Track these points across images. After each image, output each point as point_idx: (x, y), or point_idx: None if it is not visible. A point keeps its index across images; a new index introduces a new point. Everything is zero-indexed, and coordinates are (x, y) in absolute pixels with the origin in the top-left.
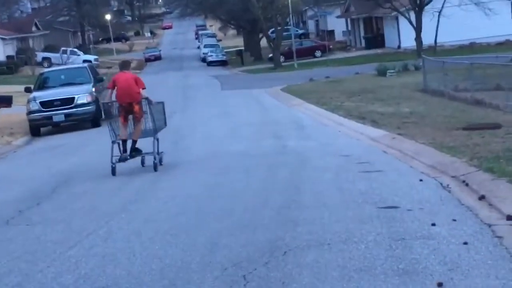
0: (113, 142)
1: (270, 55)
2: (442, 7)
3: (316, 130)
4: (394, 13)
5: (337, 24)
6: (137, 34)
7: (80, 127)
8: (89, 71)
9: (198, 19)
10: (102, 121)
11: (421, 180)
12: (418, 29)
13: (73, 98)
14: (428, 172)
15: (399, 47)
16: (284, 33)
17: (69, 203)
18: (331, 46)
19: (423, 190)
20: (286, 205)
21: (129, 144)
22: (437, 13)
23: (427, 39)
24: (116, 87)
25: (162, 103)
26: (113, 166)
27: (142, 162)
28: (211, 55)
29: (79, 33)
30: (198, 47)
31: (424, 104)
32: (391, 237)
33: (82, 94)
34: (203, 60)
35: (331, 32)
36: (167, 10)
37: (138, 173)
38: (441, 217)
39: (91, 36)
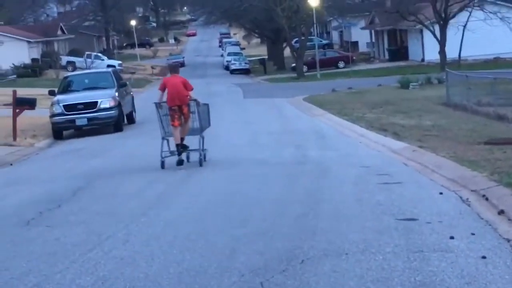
0: (162, 138)
1: (293, 64)
2: (467, 21)
3: (337, 140)
4: (419, 26)
5: (361, 35)
6: (161, 40)
7: (103, 131)
8: (113, 76)
9: (222, 27)
10: (124, 125)
11: (441, 193)
12: (442, 42)
13: (96, 102)
14: (448, 185)
15: (422, 60)
16: (308, 43)
17: (89, 206)
18: (354, 57)
19: (442, 203)
20: (304, 214)
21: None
22: (462, 27)
23: (451, 53)
24: (166, 90)
25: (207, 104)
26: (163, 160)
27: (188, 158)
28: (234, 63)
29: (103, 38)
30: (222, 55)
31: (446, 117)
32: (409, 249)
33: (106, 99)
34: (226, 68)
35: (355, 43)
36: (192, 17)
37: (161, 176)
38: (460, 231)
39: (115, 41)
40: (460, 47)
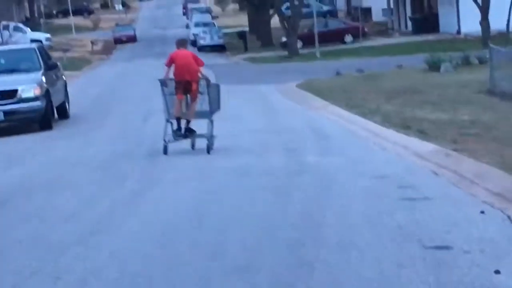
0: (167, 121)
1: (284, 39)
2: None
3: (344, 141)
4: None
5: None
6: (104, 6)
7: (25, 130)
8: (39, 54)
9: None
10: (54, 122)
11: (482, 212)
12: (484, 8)
13: (16, 90)
14: (492, 201)
15: (458, 32)
16: (304, 10)
17: (6, 231)
18: (366, 29)
19: (485, 226)
20: (300, 241)
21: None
22: None
23: (497, 22)
24: (174, 65)
25: (219, 85)
26: (165, 145)
27: (193, 145)
28: (204, 37)
29: (26, 4)
30: (187, 26)
31: (491, 110)
32: (441, 287)
33: (28, 86)
34: (193, 43)
35: (367, 11)
36: None
37: (106, 190)
38: (509, 263)
39: (42, 7)
40: (509, 14)
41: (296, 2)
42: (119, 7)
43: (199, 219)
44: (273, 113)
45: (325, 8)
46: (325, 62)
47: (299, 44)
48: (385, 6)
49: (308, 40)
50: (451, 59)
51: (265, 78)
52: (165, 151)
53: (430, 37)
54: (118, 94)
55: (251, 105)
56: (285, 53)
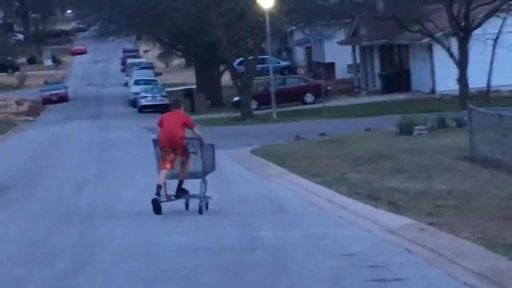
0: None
1: (236, 98)
2: (499, 32)
3: (304, 214)
4: (427, 39)
5: (339, 54)
6: (31, 61)
7: None
8: None
9: (127, 41)
10: None
11: None
12: (462, 64)
13: None
14: (474, 282)
15: (433, 91)
16: (259, 66)
17: None
18: (329, 88)
19: None
20: None
21: (170, 186)
22: (492, 41)
23: (476, 80)
24: (163, 127)
25: (213, 145)
26: (156, 205)
27: (187, 205)
28: (145, 97)
29: None
30: (126, 84)
31: (470, 179)
32: None
33: None
34: (133, 103)
35: (330, 66)
36: (79, 25)
37: (31, 273)
38: None
39: None
40: (489, 72)
41: (250, 57)
42: (48, 62)
43: None
44: (225, 182)
45: (283, 63)
46: (283, 125)
47: (254, 104)
48: (351, 62)
49: (263, 100)
50: (425, 121)
51: (215, 143)
52: (156, 210)
53: (402, 96)
54: (48, 161)
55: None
56: (238, 114)
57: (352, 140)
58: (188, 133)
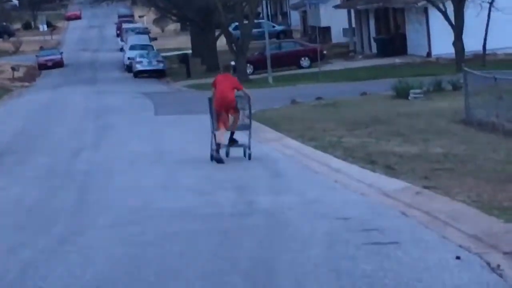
0: (213, 133)
1: (232, 63)
2: None
3: (300, 179)
4: (422, 2)
5: (335, 18)
6: (27, 27)
7: None
8: None
9: (122, 6)
10: None
11: (458, 258)
12: (458, 27)
13: None
14: (469, 245)
15: (428, 54)
16: (254, 30)
17: None
18: (325, 52)
19: (461, 273)
20: None
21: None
22: (488, 4)
23: (472, 43)
24: (215, 91)
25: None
26: (212, 153)
27: (227, 153)
28: (141, 62)
29: None
30: (121, 49)
31: (466, 142)
32: None
33: None
34: (129, 68)
35: (326, 31)
36: None
37: (29, 239)
38: None
39: None
40: (485, 35)
41: (246, 22)
42: (43, 28)
43: (136, 272)
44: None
45: (279, 28)
46: (279, 89)
47: (250, 68)
48: (346, 26)
49: (259, 64)
50: (421, 85)
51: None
52: (212, 158)
53: (397, 60)
54: (44, 127)
55: (195, 138)
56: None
57: (348, 104)
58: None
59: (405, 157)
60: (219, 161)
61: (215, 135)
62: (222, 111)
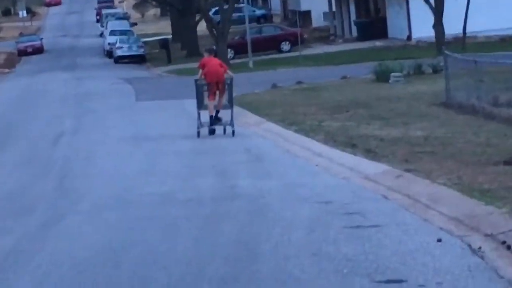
0: (198, 112)
1: (212, 47)
2: None
3: (281, 163)
4: None
5: (315, 2)
6: (6, 13)
7: None
8: None
9: None
10: None
11: (439, 241)
12: (438, 11)
13: None
14: (450, 228)
15: (409, 38)
16: (234, 15)
17: None
18: (305, 36)
19: (442, 256)
20: (233, 277)
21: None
22: None
23: (452, 26)
24: (205, 69)
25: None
26: (198, 130)
27: (224, 130)
28: (121, 47)
29: None
30: (101, 35)
31: (446, 125)
32: None
33: None
34: (109, 54)
35: (306, 14)
36: None
37: (11, 225)
38: None
39: None
40: (465, 18)
41: (226, 5)
42: (23, 13)
43: (116, 257)
44: (201, 131)
45: (259, 12)
46: (259, 73)
47: (230, 53)
48: (326, 10)
49: (240, 49)
50: (401, 68)
51: (191, 93)
52: (198, 135)
53: (378, 43)
54: (23, 114)
55: (176, 123)
56: None
57: (329, 88)
58: None
59: (385, 141)
60: (212, 132)
61: (199, 114)
62: (214, 83)
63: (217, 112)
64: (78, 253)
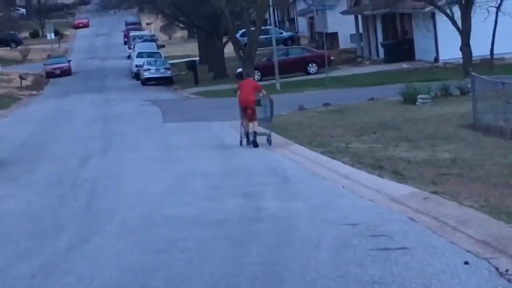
0: (241, 124)
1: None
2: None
3: (308, 185)
4: (429, 8)
5: (342, 23)
6: (34, 35)
7: None
8: None
9: (129, 14)
10: None
11: (466, 263)
12: (465, 32)
13: None
14: (477, 250)
15: (436, 60)
16: (262, 37)
17: None
18: (332, 58)
19: (469, 278)
20: None
21: None
22: (495, 9)
23: (479, 48)
24: (239, 92)
25: (272, 100)
26: (241, 139)
27: (269, 141)
28: (148, 69)
29: None
30: (129, 56)
31: (474, 147)
32: None
33: None
34: (136, 76)
35: (334, 36)
36: None
37: (38, 245)
38: None
39: None
40: (492, 40)
41: (253, 28)
42: (51, 36)
43: (144, 279)
44: (228, 153)
45: (286, 34)
46: (286, 95)
47: (257, 75)
48: (353, 31)
49: (267, 71)
50: (428, 90)
51: (218, 114)
52: (241, 144)
53: (405, 65)
54: (51, 135)
55: (203, 145)
56: None
57: (356, 109)
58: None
59: (413, 163)
60: (255, 144)
61: (242, 124)
62: (243, 108)
63: (255, 134)
64: (105, 274)
